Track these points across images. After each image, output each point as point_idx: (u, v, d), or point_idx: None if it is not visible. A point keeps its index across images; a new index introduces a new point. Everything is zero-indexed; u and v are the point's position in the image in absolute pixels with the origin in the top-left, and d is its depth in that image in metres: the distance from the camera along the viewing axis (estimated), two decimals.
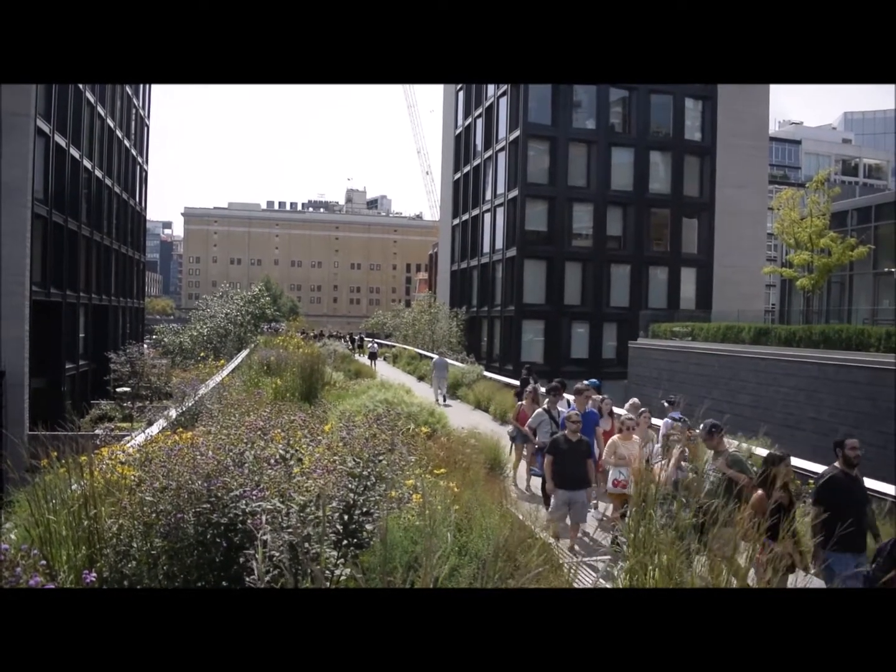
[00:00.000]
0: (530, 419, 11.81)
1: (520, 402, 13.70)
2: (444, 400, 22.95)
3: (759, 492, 6.68)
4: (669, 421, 11.37)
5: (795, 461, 10.85)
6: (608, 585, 5.77)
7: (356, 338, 50.94)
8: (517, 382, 19.73)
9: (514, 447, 13.18)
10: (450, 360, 29.64)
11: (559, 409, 11.82)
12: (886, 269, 35.88)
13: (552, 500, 9.28)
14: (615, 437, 9.80)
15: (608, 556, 7.46)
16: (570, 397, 12.51)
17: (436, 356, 26.86)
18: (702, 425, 8.51)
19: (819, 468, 10.60)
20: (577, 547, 8.85)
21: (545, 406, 11.83)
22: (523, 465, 12.74)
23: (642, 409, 11.39)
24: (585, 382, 15.66)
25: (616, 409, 12.68)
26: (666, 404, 13.25)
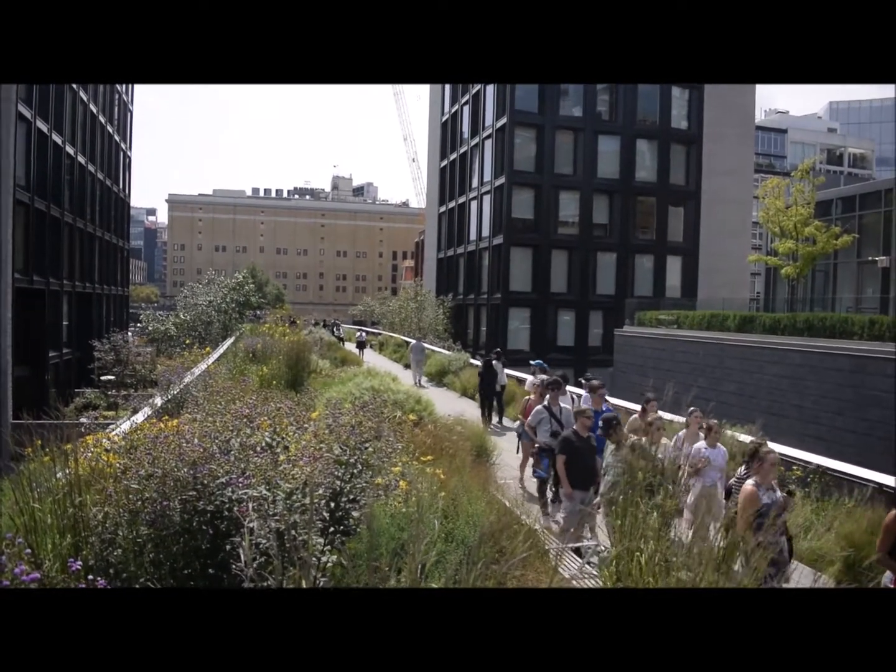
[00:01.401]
0: (529, 417, 10.99)
1: (527, 398, 12.87)
2: (420, 382, 24.30)
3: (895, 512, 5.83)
4: (587, 395, 11.62)
5: (779, 448, 10.93)
6: (594, 572, 5.81)
7: (331, 324, 49.04)
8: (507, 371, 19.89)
9: (520, 444, 12.47)
10: (435, 347, 30.37)
11: (561, 404, 10.90)
12: (870, 258, 36.11)
13: (565, 504, 8.65)
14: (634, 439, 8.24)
15: (594, 543, 7.50)
16: (576, 391, 12.35)
17: (413, 341, 28.71)
18: (602, 422, 8.42)
19: (803, 455, 10.70)
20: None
21: (545, 402, 10.86)
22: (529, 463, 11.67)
23: (651, 398, 10.24)
24: (532, 363, 16.09)
25: (669, 415, 10.59)
26: (583, 382, 13.51)
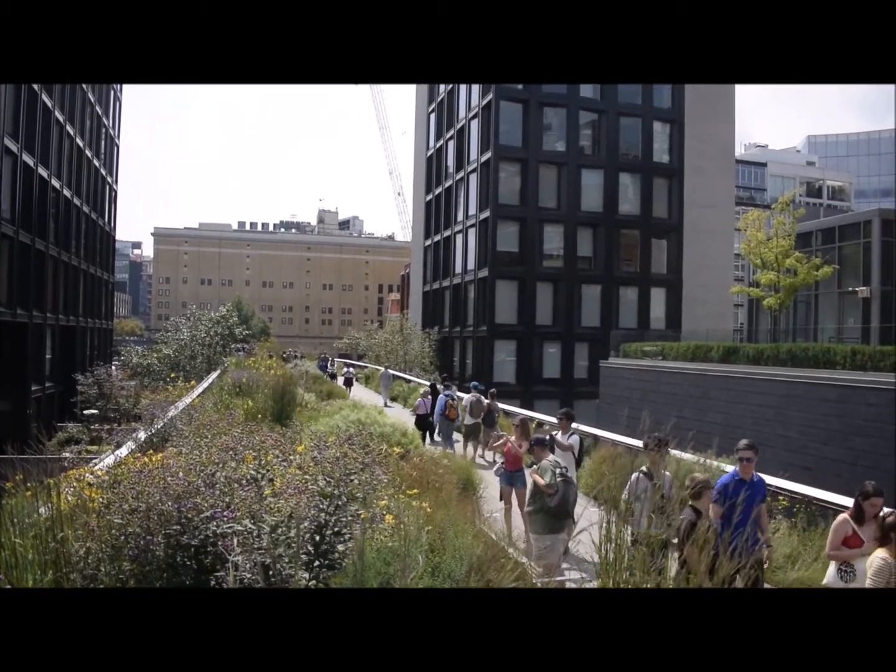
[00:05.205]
0: (627, 487, 6.91)
1: (505, 437, 11.35)
2: (387, 403, 28.02)
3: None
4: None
5: (767, 479, 10.89)
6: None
7: (322, 359, 47.36)
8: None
9: (501, 490, 10.62)
10: (420, 380, 31.65)
11: (664, 471, 7.61)
12: (851, 289, 36.51)
13: None
14: (881, 552, 5.44)
15: (580, 577, 7.43)
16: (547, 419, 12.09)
17: (382, 369, 33.38)
18: (534, 439, 8.81)
19: (790, 485, 10.69)
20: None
21: (645, 468, 7.44)
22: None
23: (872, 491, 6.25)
24: (474, 385, 17.38)
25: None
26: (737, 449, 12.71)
